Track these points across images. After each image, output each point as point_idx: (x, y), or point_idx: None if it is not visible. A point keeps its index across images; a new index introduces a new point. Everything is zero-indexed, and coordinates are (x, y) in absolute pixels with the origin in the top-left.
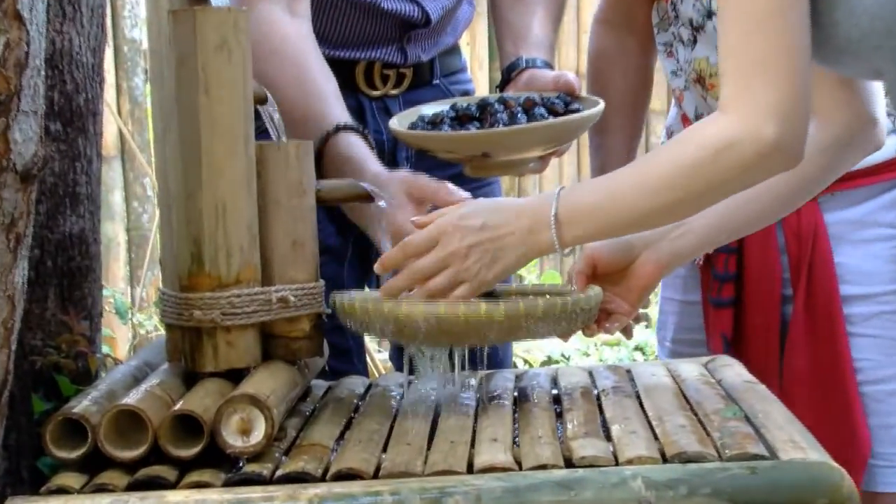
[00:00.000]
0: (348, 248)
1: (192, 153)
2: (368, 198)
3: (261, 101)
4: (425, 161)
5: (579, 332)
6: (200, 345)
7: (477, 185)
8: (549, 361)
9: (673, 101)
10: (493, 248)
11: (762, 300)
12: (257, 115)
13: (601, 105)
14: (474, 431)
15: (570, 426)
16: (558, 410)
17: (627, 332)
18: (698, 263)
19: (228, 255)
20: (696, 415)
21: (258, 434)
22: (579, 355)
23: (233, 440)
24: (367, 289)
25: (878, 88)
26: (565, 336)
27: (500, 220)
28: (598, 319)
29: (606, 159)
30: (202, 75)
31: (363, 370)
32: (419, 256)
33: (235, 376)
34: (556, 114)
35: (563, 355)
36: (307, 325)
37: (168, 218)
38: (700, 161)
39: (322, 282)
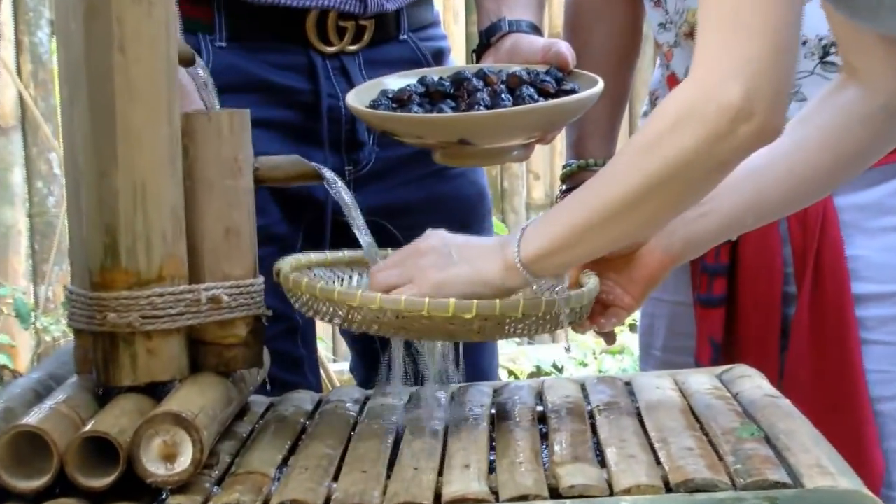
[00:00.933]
0: (298, 237)
1: (105, 123)
2: (316, 177)
3: (187, 61)
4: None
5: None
6: (116, 354)
7: (458, 173)
8: (538, 373)
9: (659, 59)
10: (452, 251)
11: (759, 299)
12: None
13: (600, 85)
14: (443, 456)
15: (556, 449)
16: (543, 431)
17: (609, 338)
18: None
19: (149, 246)
20: (706, 435)
21: (184, 460)
22: (575, 365)
23: (154, 467)
24: None
25: None
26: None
27: (468, 241)
28: (592, 313)
29: (585, 130)
30: (117, 30)
31: (316, 383)
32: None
33: (158, 391)
34: (546, 95)
35: (555, 366)
36: (243, 330)
37: (76, 201)
38: (658, 136)
39: (262, 278)
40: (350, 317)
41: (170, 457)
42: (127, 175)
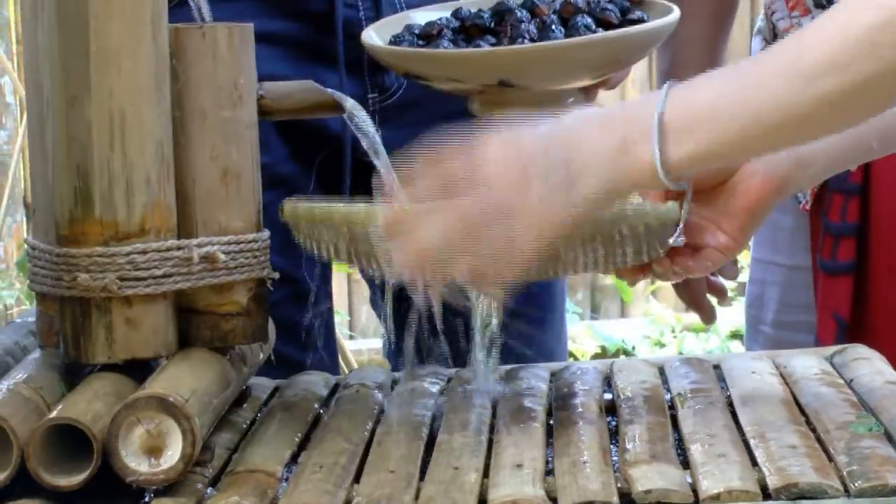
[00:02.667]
0: (311, 179)
1: (75, 39)
2: (335, 108)
3: None
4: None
5: (658, 313)
6: (88, 324)
7: None
8: (604, 354)
9: None
10: (566, 174)
11: None
12: None
13: (675, 13)
14: (489, 454)
15: (629, 446)
16: (612, 424)
17: (707, 313)
18: (804, 208)
19: (129, 192)
20: (813, 430)
21: (172, 454)
22: (650, 345)
23: (136, 463)
24: None
25: None
26: (622, 272)
27: (575, 134)
28: (675, 253)
29: (679, 58)
30: None
31: (331, 362)
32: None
33: (139, 371)
34: (607, 26)
35: (623, 346)
36: (244, 297)
37: (39, 136)
38: (876, 25)
39: (267, 232)
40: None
41: (154, 450)
42: (102, 103)
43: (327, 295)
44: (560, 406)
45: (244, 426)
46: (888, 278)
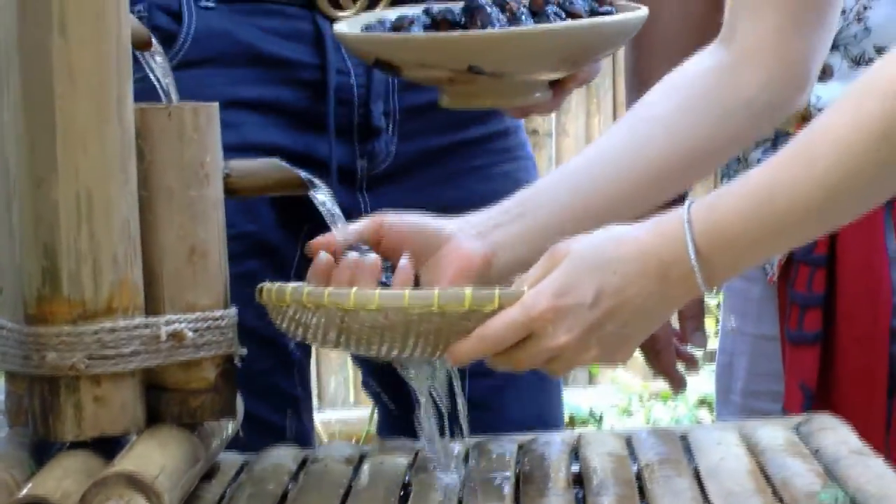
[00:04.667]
0: (296, 250)
1: (42, 119)
2: (302, 186)
3: (142, 44)
4: (414, 119)
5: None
6: (56, 402)
7: (502, 160)
8: (572, 423)
9: None
10: (617, 327)
11: (863, 335)
12: (138, 66)
13: (643, 11)
14: None
15: None
16: (579, 495)
17: (691, 364)
18: (771, 279)
19: (96, 271)
20: (780, 501)
21: None
22: (618, 413)
23: None
24: None
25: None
26: None
27: (616, 281)
28: None
29: (650, 51)
30: (56, 5)
31: (310, 432)
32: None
33: (109, 447)
34: (576, 18)
35: (592, 414)
36: (212, 373)
37: (7, 215)
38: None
39: (234, 309)
40: (346, 326)
41: None
42: (69, 183)
43: (308, 362)
44: (528, 479)
45: (213, 502)
46: (853, 349)
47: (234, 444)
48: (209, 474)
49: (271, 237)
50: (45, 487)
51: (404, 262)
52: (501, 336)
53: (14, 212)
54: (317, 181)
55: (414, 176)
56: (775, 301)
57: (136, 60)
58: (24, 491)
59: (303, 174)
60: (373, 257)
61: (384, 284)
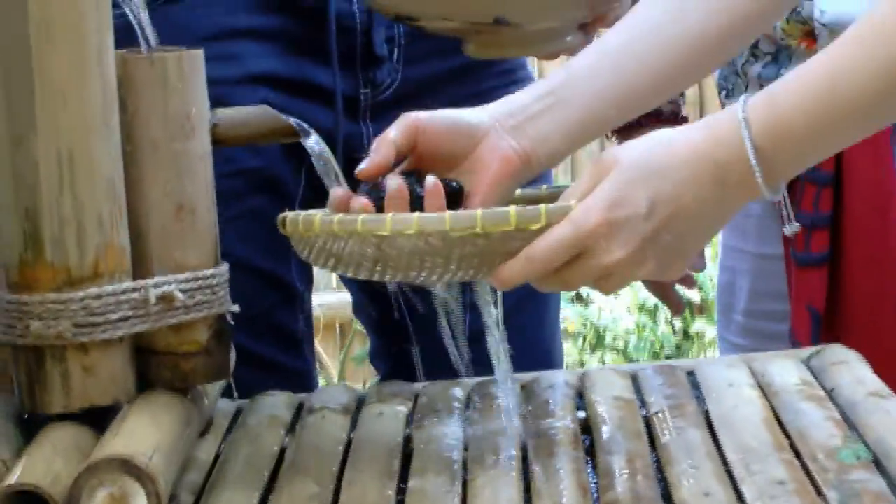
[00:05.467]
0: (300, 183)
1: (18, 74)
2: (293, 134)
3: None
4: (416, 44)
5: None
6: (43, 373)
7: (506, 83)
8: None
9: None
10: (674, 238)
11: (872, 255)
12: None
13: None
14: (465, 492)
15: (610, 482)
16: (587, 444)
17: (688, 283)
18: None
19: (80, 234)
20: (798, 457)
21: None
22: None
23: None
24: None
25: None
26: None
27: (670, 189)
28: None
29: None
30: None
31: (312, 368)
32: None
33: (98, 417)
34: None
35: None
36: (204, 335)
37: None
38: None
39: (225, 266)
40: (382, 253)
41: None
42: (49, 141)
43: (311, 296)
44: (534, 429)
45: (208, 462)
46: (864, 269)
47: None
48: (205, 429)
49: (275, 171)
50: (35, 473)
51: (431, 181)
52: (551, 256)
53: None
54: (308, 127)
55: (418, 102)
56: (776, 218)
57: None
58: (14, 478)
59: (293, 121)
60: (396, 182)
61: (419, 199)
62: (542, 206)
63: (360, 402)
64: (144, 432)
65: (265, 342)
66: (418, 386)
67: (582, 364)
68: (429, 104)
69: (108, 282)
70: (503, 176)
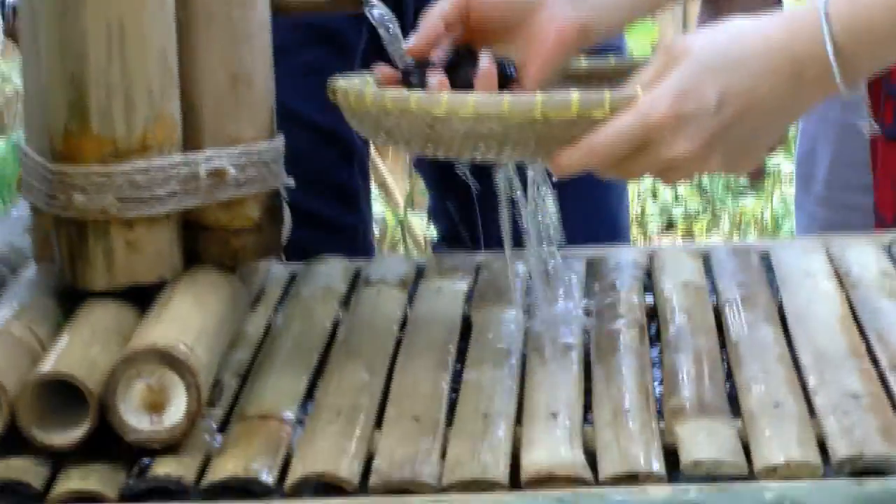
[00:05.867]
0: (361, 35)
1: None
2: (356, 3)
3: None
4: None
5: None
6: (85, 248)
7: None
8: None
9: None
10: (744, 133)
11: None
12: None
13: None
14: (522, 388)
15: (675, 388)
16: (654, 331)
17: (755, 173)
18: None
19: (128, 105)
20: (876, 364)
21: (176, 411)
22: None
23: (136, 421)
24: None
25: None
26: None
27: (743, 82)
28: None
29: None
30: None
31: (370, 222)
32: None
33: (142, 296)
34: None
35: None
36: (256, 211)
37: (31, 38)
38: None
39: (280, 139)
40: (436, 134)
41: (156, 406)
42: (98, 9)
43: (369, 152)
44: (598, 321)
45: (257, 338)
46: None
47: (293, 240)
48: (256, 300)
49: (335, 23)
50: (70, 360)
51: (485, 62)
52: (614, 146)
53: (39, 36)
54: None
55: None
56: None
57: None
58: (47, 366)
59: None
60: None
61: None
62: (607, 93)
63: (419, 274)
64: (187, 317)
65: (322, 200)
66: (479, 258)
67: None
68: None
69: (156, 155)
70: (560, 49)
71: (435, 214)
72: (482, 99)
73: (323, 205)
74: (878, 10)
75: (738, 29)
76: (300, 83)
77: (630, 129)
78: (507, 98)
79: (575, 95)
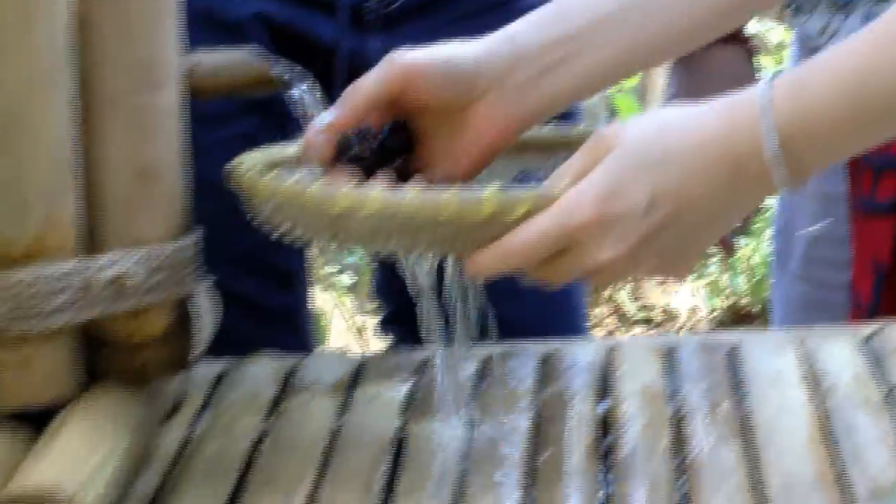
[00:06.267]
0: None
1: None
2: (280, 84)
3: None
4: None
5: None
6: None
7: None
8: None
9: None
10: (677, 236)
11: None
12: None
13: None
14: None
15: None
16: (605, 447)
17: (727, 249)
18: None
19: (22, 206)
20: (847, 488)
21: None
22: None
23: None
24: None
25: None
26: None
27: (676, 180)
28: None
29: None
30: None
31: (305, 307)
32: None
33: (38, 419)
34: None
35: None
36: (163, 320)
37: None
38: None
39: (192, 237)
40: (339, 227)
41: None
42: None
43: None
44: (545, 440)
45: (171, 455)
46: None
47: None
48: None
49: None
50: None
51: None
52: (532, 250)
53: None
54: (296, 76)
55: (431, 14)
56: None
57: None
58: None
59: (279, 69)
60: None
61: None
62: (524, 193)
63: (358, 374)
64: (78, 450)
65: (252, 281)
66: (424, 353)
67: None
68: (443, 15)
69: (49, 261)
70: (495, 146)
71: (380, 290)
72: (385, 195)
73: (254, 286)
74: (824, 103)
75: (674, 118)
76: (231, 154)
77: (550, 231)
78: (410, 195)
79: (488, 194)
